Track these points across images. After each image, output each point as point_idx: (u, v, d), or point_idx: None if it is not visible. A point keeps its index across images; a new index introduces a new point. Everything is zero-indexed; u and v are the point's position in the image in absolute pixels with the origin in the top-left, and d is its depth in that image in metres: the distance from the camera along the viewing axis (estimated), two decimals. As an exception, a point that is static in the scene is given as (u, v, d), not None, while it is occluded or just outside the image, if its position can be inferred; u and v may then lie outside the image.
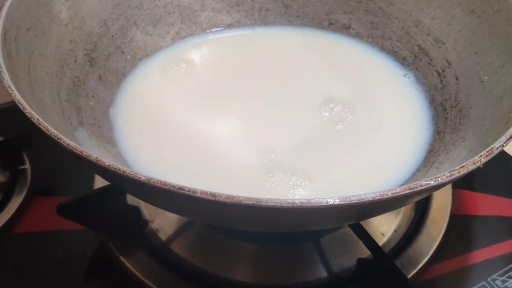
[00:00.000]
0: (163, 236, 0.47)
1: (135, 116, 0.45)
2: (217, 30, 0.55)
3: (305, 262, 0.45)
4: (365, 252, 0.44)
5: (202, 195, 0.25)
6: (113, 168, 0.26)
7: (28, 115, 0.29)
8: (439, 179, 0.27)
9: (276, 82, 0.49)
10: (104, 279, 0.45)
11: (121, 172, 0.26)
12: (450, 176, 0.27)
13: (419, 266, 0.44)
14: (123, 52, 0.49)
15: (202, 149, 0.42)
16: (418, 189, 0.26)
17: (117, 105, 0.46)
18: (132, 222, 0.47)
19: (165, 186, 0.25)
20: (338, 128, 0.44)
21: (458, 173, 0.27)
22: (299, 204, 0.24)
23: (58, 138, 0.28)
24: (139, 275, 0.44)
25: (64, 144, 0.27)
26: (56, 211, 0.42)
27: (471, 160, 0.28)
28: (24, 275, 0.45)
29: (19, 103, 0.30)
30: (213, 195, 0.25)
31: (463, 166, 0.28)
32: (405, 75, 0.49)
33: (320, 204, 0.25)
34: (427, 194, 0.33)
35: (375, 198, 0.25)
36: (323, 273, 0.44)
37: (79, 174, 0.52)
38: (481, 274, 0.44)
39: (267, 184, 0.38)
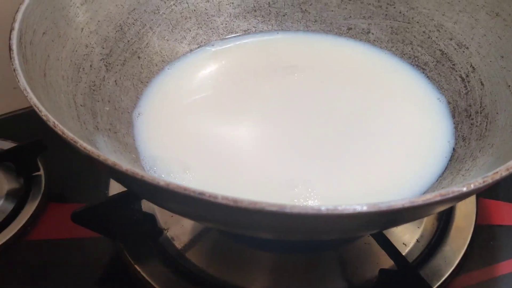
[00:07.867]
0: (179, 244, 0.46)
1: (154, 120, 0.44)
2: (234, 36, 0.54)
3: (325, 272, 0.44)
4: (387, 263, 0.42)
5: (223, 201, 0.24)
6: (131, 172, 0.25)
7: (44, 118, 0.29)
8: (472, 185, 0.25)
9: (294, 90, 0.48)
10: (119, 287, 0.44)
11: (139, 177, 0.25)
12: (484, 182, 0.26)
13: (444, 278, 0.42)
14: (139, 57, 0.48)
15: (220, 155, 0.41)
16: (450, 195, 0.25)
17: (136, 110, 0.45)
18: (147, 230, 0.46)
19: (185, 191, 0.24)
20: (354, 137, 0.43)
21: (492, 179, 0.26)
22: (325, 211, 0.23)
23: (74, 142, 0.27)
24: (153, 283, 0.43)
25: (80, 148, 0.27)
26: (71, 218, 0.41)
27: (504, 166, 0.27)
28: (38, 283, 0.44)
29: (35, 106, 0.29)
30: (235, 201, 0.23)
31: (496, 172, 0.27)
32: (426, 83, 0.48)
33: (347, 212, 0.23)
34: (458, 201, 0.32)
35: (405, 205, 0.24)
36: (343, 284, 0.43)
37: (93, 180, 0.52)
38: (508, 286, 0.43)
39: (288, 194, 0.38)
